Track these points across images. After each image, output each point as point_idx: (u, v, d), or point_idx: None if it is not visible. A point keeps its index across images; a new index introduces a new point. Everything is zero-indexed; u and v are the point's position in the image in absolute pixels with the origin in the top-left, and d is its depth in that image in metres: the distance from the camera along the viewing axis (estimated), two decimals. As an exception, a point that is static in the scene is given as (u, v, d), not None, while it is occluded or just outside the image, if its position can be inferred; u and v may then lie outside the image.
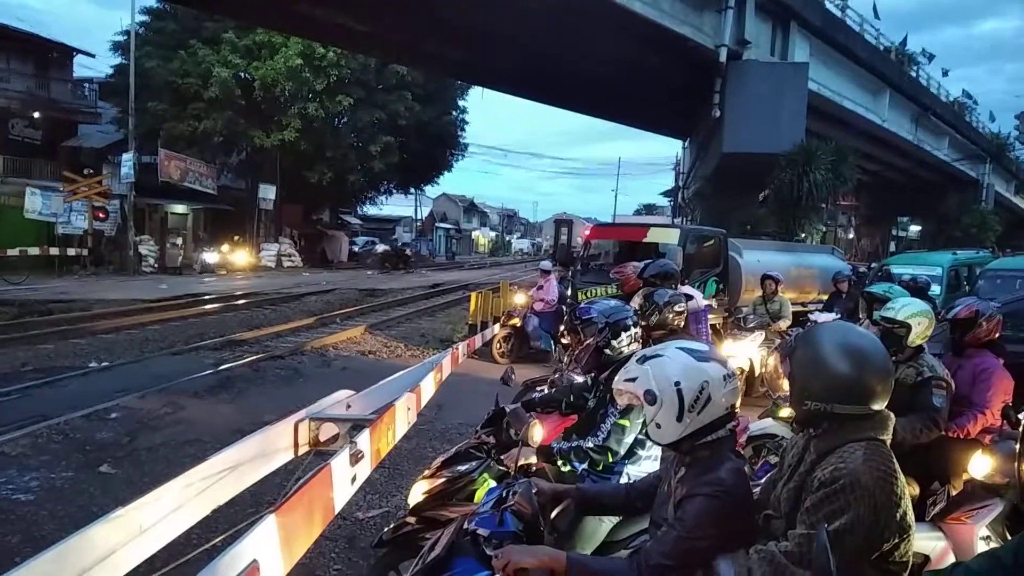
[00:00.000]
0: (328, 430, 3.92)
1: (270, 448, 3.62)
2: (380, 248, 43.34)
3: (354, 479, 3.36)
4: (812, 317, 8.53)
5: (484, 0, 17.85)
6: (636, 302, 4.48)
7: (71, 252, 25.35)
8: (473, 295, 14.03)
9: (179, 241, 28.98)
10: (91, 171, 27.11)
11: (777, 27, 23.11)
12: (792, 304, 9.33)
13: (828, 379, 1.89)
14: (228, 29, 29.96)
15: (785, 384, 2.66)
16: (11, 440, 6.16)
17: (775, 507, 2.04)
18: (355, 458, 3.36)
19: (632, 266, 6.80)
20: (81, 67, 33.52)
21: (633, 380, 2.09)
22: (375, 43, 24.20)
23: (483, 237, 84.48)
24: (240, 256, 31.45)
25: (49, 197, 25.08)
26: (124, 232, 27.37)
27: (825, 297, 10.78)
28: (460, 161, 44.91)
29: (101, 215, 26.56)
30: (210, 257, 29.47)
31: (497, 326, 11.61)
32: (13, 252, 22.98)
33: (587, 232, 14.03)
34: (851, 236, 46.68)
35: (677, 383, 2.01)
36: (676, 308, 4.35)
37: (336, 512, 3.12)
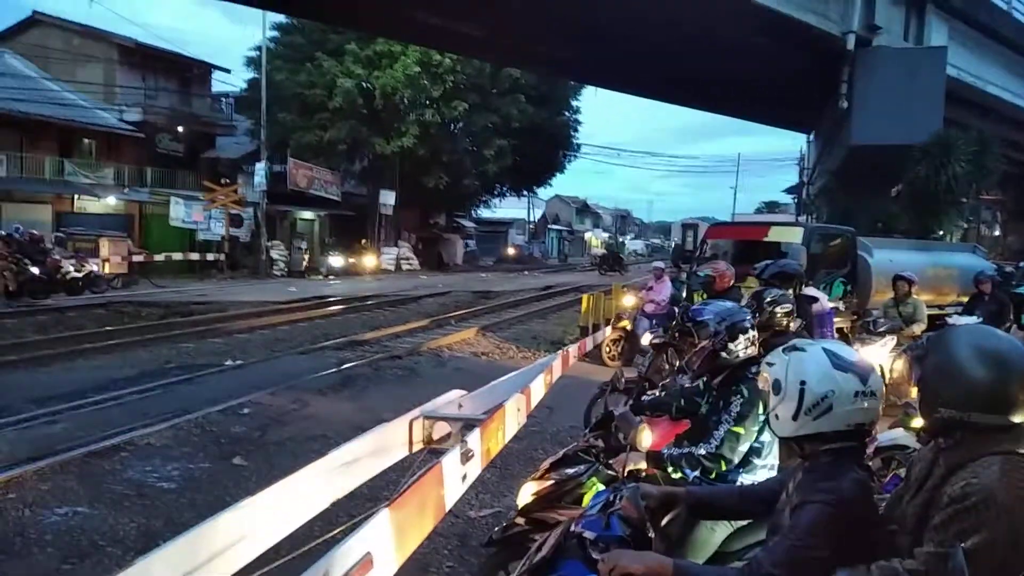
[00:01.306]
0: (441, 429, 4.01)
1: (386, 445, 3.75)
2: (597, 252, 44.92)
3: (464, 477, 3.42)
4: (950, 321, 7.93)
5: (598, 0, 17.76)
6: (743, 302, 4.33)
7: (209, 257, 27.27)
8: (584, 297, 13.99)
9: (303, 245, 30.48)
10: (227, 180, 29.07)
11: (911, 10, 21.67)
12: (928, 307, 8.72)
13: (965, 385, 1.74)
14: (351, 41, 31.27)
15: (914, 391, 2.49)
16: (157, 432, 6.68)
17: (901, 523, 1.91)
18: (466, 457, 3.42)
19: (722, 263, 6.57)
20: (218, 82, 36.16)
21: (771, 365, 2.07)
22: (490, 47, 24.61)
23: (596, 238, 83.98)
24: (363, 260, 32.77)
25: (191, 206, 27.09)
26: (257, 238, 29.15)
27: (965, 299, 10.01)
28: (573, 162, 44.96)
29: (236, 222, 28.41)
30: (335, 261, 30.83)
31: (608, 328, 11.49)
32: (160, 257, 25.01)
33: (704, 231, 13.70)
34: (996, 233, 43.01)
35: (803, 382, 1.93)
36: (782, 308, 4.18)
37: (448, 509, 3.18)
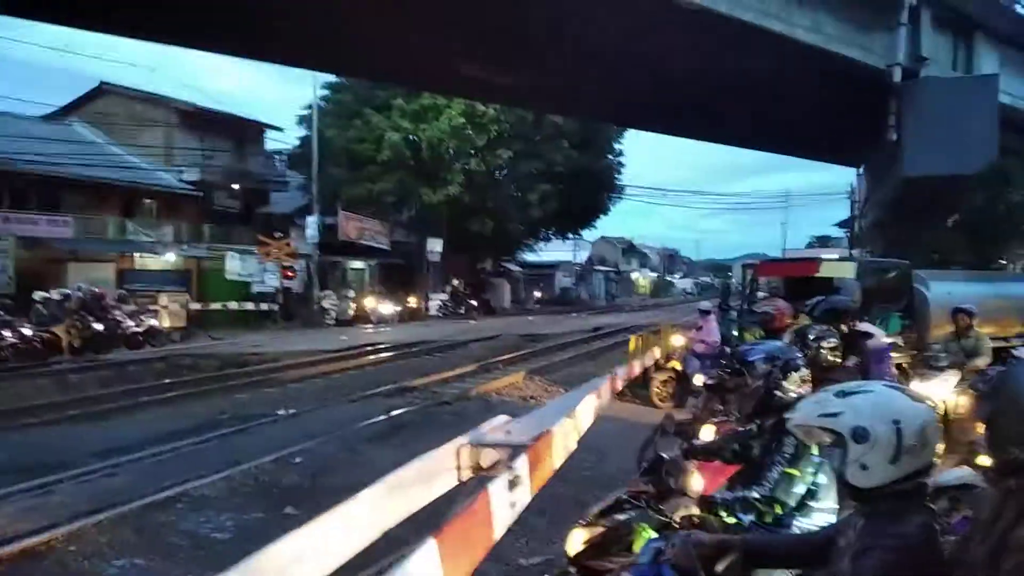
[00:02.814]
0: (489, 456, 3.95)
1: (433, 473, 3.70)
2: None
3: (513, 505, 3.36)
4: (1016, 353, 7.60)
5: (639, 40, 17.93)
6: (786, 340, 4.24)
7: (264, 307, 27.92)
8: (632, 338, 13.85)
9: (350, 294, 30.92)
10: (281, 234, 29.86)
11: (959, 39, 21.38)
12: (992, 339, 8.38)
13: None
14: (397, 96, 32.19)
15: (980, 428, 2.38)
16: (210, 483, 6.78)
17: (970, 568, 1.81)
18: (513, 484, 3.36)
19: (781, 301, 6.45)
20: (271, 140, 37.52)
21: (834, 416, 1.91)
22: (530, 96, 25.07)
23: (643, 278, 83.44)
24: (411, 306, 33.09)
25: (246, 259, 27.87)
26: (310, 288, 29.77)
27: (1033, 331, 9.61)
28: (618, 203, 45.06)
29: (290, 274, 29.10)
30: (384, 308, 31.24)
31: (651, 362, 11.32)
32: (216, 305, 25.79)
33: (754, 269, 13.50)
34: (1064, 261, 41.32)
35: (897, 420, 1.84)
36: (827, 344, 4.08)
37: (496, 538, 3.11)
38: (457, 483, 3.72)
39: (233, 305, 26.54)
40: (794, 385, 3.34)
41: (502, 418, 4.31)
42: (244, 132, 35.62)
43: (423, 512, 3.56)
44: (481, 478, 3.69)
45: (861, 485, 1.90)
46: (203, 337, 22.35)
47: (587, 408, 5.04)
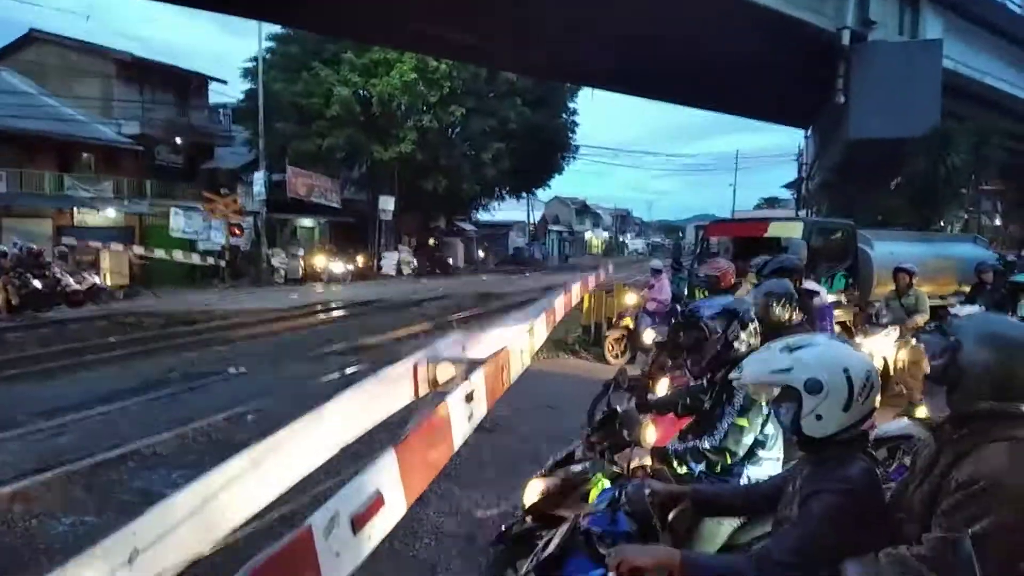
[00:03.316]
0: (445, 371, 3.99)
1: (391, 389, 3.75)
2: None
3: (471, 417, 3.42)
4: (953, 311, 7.93)
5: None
6: (751, 297, 4.32)
7: (210, 261, 27.28)
8: (586, 296, 13.96)
9: (300, 252, 30.44)
10: (227, 191, 29.12)
11: (905, 4, 21.74)
12: (930, 298, 8.71)
13: (1009, 376, 1.74)
14: (347, 49, 31.35)
15: (920, 381, 2.48)
16: (162, 441, 6.69)
17: (907, 511, 1.91)
18: (470, 397, 3.42)
19: (723, 261, 6.60)
20: (215, 94, 36.22)
21: (786, 371, 1.98)
22: (484, 53, 24.69)
23: (596, 238, 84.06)
24: (362, 264, 32.77)
25: (191, 216, 27.12)
26: (258, 246, 29.19)
27: (967, 290, 10.00)
28: (572, 163, 45.05)
29: (237, 231, 28.44)
30: (335, 267, 30.89)
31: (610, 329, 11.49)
32: (161, 253, 25.14)
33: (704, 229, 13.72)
34: (997, 223, 42.93)
35: (846, 369, 1.93)
36: (792, 302, 4.21)
37: (456, 448, 3.15)
38: (414, 398, 3.75)
39: (179, 256, 25.81)
40: (745, 340, 3.43)
41: (456, 335, 4.34)
42: (186, 84, 34.32)
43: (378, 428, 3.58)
44: (438, 392, 3.72)
45: (816, 435, 1.97)
46: (147, 296, 21.78)
47: (541, 326, 5.07)
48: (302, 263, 29.80)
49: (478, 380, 3.49)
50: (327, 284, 28.78)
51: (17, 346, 12.89)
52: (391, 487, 2.53)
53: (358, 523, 2.29)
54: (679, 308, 10.24)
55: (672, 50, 20.89)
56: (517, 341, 4.19)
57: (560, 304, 6.43)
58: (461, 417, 3.25)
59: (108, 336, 14.00)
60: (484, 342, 4.42)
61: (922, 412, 4.42)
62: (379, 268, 33.87)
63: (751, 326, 3.43)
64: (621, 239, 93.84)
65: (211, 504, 2.33)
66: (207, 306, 19.14)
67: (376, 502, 2.37)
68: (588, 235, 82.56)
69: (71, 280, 17.95)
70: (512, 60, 26.69)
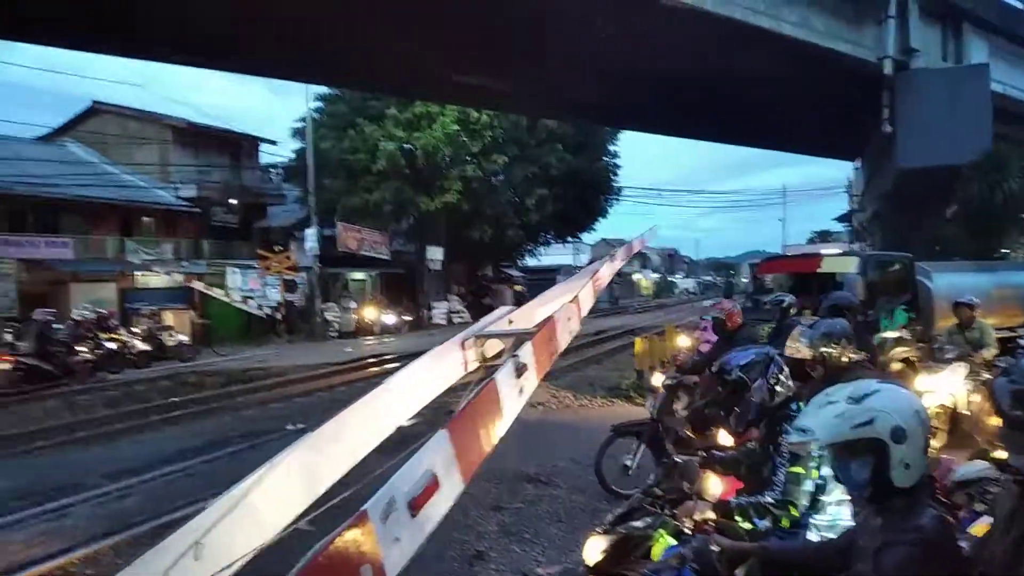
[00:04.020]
0: (493, 346, 3.96)
1: (441, 368, 3.73)
2: None
3: (521, 391, 3.36)
4: (1023, 343, 7.62)
5: (628, 43, 17.94)
6: (805, 339, 4.16)
7: (267, 310, 27.95)
8: (637, 340, 13.87)
9: (352, 305, 30.89)
10: (280, 248, 29.90)
11: (948, 30, 21.45)
12: (996, 330, 8.38)
13: None
14: (390, 105, 32.22)
15: (994, 421, 2.39)
16: (224, 500, 6.78)
17: (989, 563, 1.83)
18: (520, 371, 3.38)
19: (728, 302, 6.56)
20: (266, 154, 37.48)
21: (868, 424, 1.85)
22: (522, 101, 25.13)
23: (645, 279, 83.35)
24: (414, 316, 33.08)
25: (246, 274, 27.90)
26: (312, 301, 29.79)
27: (1038, 319, 9.62)
28: (615, 205, 45.06)
29: (291, 287, 29.13)
30: (388, 319, 31.23)
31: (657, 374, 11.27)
32: (219, 294, 25.87)
33: (758, 267, 13.58)
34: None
35: (917, 412, 1.87)
36: (851, 340, 4.10)
37: (509, 423, 3.11)
38: (464, 374, 3.73)
39: (237, 298, 26.55)
40: (782, 387, 3.37)
41: (503, 309, 4.32)
42: (239, 146, 35.65)
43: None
44: (488, 368, 3.69)
45: (906, 485, 1.86)
46: (208, 353, 22.37)
47: (587, 295, 4.98)
48: (355, 316, 30.24)
49: (527, 353, 3.45)
50: (379, 336, 29.12)
51: (85, 409, 13.33)
52: (446, 468, 2.50)
53: (415, 506, 2.25)
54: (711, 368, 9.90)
55: (713, 89, 20.90)
56: (563, 311, 4.14)
57: (606, 272, 6.35)
58: (512, 392, 3.21)
59: (171, 397, 14.39)
60: (530, 314, 4.40)
61: (1000, 454, 4.22)
62: (430, 318, 34.14)
63: (783, 373, 3.38)
64: (670, 279, 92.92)
65: (276, 493, 2.38)
66: (264, 363, 19.53)
67: (432, 484, 2.36)
68: (637, 276, 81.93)
69: (137, 342, 18.71)
70: (550, 106, 27.10)
